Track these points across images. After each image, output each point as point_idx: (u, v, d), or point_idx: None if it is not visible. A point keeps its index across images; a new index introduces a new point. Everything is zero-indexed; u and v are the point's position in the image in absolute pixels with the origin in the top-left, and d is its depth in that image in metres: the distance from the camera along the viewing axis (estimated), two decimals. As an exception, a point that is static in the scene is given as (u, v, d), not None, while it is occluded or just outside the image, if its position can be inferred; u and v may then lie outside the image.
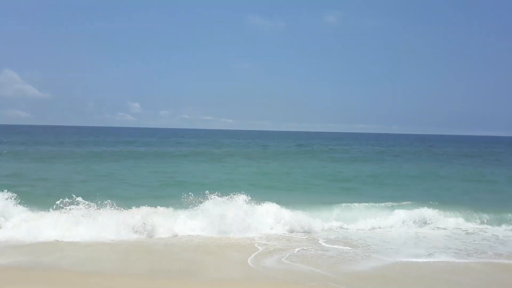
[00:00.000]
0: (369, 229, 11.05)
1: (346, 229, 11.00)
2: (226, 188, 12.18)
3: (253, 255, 8.08)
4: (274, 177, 21.17)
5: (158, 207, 10.99)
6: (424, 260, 8.28)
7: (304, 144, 65.01)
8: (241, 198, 10.74)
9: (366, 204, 12.85)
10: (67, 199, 10.01)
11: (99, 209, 10.03)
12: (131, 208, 10.28)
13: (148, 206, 10.47)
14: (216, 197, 10.58)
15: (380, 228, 11.18)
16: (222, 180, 19.40)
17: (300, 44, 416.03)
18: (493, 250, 9.23)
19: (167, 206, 11.21)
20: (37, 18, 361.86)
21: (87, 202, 10.04)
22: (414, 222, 11.56)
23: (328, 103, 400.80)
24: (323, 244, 9.32)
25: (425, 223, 11.63)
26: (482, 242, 9.99)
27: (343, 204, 12.51)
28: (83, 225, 9.31)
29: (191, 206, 10.73)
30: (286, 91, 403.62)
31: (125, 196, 13.32)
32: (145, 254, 8.22)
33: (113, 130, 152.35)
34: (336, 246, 9.16)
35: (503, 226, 11.70)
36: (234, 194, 10.80)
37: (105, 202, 10.35)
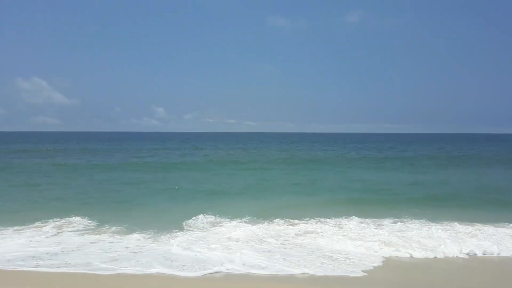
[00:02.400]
0: None
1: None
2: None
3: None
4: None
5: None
6: None
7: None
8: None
9: None
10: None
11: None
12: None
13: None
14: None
15: None
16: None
17: (322, 44, 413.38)
18: None
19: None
20: (64, 27, 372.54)
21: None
22: None
23: (352, 103, 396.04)
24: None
25: None
26: None
27: None
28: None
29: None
30: (309, 92, 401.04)
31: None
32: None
33: (136, 135, 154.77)
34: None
35: None
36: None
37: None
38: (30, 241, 8.90)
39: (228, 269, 7.14)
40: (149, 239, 9.12)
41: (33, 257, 7.70)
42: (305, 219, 11.15)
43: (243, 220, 11.11)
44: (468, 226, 10.30)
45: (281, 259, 7.68)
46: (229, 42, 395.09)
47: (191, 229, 10.18)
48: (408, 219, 11.32)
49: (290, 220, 11.09)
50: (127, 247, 8.47)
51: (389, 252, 8.37)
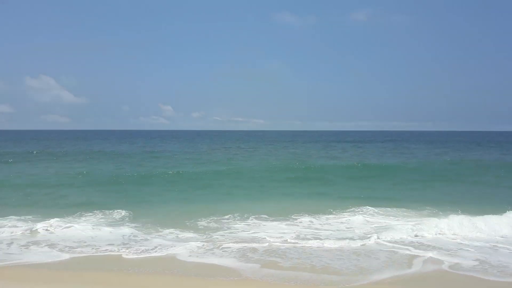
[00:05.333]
0: None
1: None
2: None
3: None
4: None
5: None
6: None
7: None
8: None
9: None
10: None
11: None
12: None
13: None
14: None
15: None
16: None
17: (330, 41, 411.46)
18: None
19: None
20: (71, 26, 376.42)
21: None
22: None
23: (359, 101, 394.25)
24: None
25: None
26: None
27: None
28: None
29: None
30: (316, 90, 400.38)
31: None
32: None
33: (144, 133, 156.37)
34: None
35: None
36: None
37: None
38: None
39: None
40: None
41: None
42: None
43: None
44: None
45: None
46: (236, 39, 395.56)
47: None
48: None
49: None
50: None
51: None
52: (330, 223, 11.83)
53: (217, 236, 10.16)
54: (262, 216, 12.54)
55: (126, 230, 10.73)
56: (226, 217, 12.44)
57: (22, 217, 12.06)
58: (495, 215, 11.29)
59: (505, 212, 11.56)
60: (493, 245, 9.48)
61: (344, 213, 13.07)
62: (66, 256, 8.54)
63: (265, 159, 33.72)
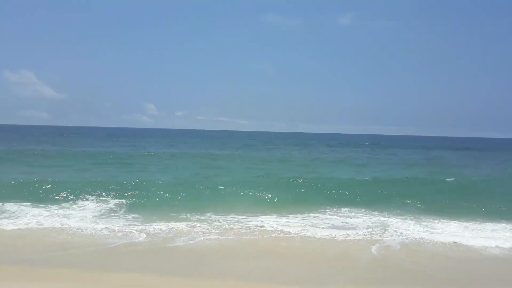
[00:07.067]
0: None
1: None
2: None
3: None
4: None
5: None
6: None
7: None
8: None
9: None
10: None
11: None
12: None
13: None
14: None
15: None
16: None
17: (316, 43, 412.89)
18: None
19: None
20: (53, 20, 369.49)
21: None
22: None
23: (345, 103, 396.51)
24: None
25: None
26: None
27: None
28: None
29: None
30: (301, 92, 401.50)
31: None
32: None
33: (131, 131, 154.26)
34: None
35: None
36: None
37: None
38: None
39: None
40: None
41: None
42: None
43: None
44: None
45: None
46: (221, 39, 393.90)
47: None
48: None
49: None
50: None
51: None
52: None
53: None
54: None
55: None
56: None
57: None
58: None
59: None
60: None
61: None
62: None
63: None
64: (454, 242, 10.28)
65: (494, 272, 8.34)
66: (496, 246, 10.04)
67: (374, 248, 9.57)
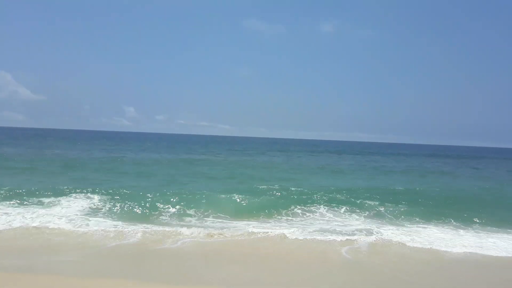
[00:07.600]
0: None
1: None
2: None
3: None
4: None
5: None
6: None
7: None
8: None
9: None
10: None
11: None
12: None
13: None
14: None
15: None
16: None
17: (299, 50, 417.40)
18: None
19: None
20: (30, 18, 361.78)
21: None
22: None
23: (326, 110, 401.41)
24: None
25: None
26: None
27: None
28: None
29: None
30: (283, 97, 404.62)
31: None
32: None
33: (110, 135, 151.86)
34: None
35: None
36: None
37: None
38: None
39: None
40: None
41: None
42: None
43: None
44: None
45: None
46: (204, 44, 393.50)
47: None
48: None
49: None
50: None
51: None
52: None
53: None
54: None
55: None
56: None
57: None
58: None
59: None
60: None
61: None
62: None
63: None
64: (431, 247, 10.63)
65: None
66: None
67: (344, 250, 9.87)
